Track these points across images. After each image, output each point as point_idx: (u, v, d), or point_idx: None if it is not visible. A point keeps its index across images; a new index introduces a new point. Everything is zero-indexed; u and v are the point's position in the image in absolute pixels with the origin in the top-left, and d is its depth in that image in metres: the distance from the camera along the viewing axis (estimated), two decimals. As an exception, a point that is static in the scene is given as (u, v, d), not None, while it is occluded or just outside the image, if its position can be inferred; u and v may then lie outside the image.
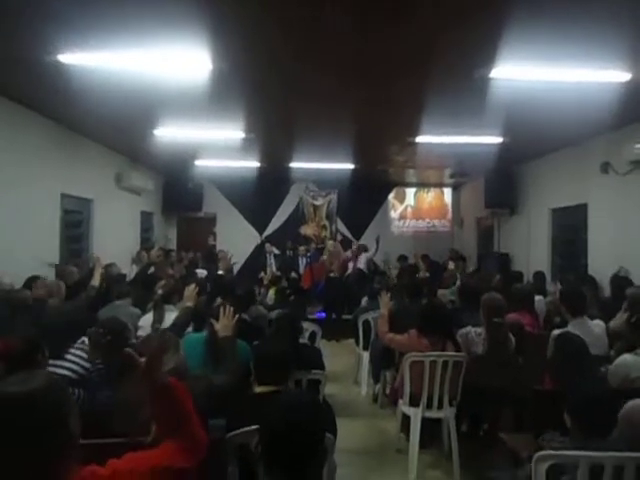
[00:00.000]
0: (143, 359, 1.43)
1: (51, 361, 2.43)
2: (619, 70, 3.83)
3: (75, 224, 6.41)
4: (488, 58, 3.62)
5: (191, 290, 3.34)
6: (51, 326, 2.75)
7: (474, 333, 3.55)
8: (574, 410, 2.04)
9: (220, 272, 5.91)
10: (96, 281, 4.32)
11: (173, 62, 3.68)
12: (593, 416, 1.98)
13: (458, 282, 6.52)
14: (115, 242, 7.05)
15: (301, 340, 3.43)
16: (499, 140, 6.23)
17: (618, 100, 4.46)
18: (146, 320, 3.64)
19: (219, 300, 3.57)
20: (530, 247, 7.93)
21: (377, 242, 8.85)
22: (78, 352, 2.56)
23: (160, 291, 3.81)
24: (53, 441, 1.18)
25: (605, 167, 5.93)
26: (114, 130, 6.05)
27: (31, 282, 4.21)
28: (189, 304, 3.26)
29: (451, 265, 7.78)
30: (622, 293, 4.56)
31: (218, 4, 2.93)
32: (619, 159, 5.59)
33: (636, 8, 2.93)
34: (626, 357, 2.83)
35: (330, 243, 9.19)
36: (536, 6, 2.89)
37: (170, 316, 3.58)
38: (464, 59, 3.70)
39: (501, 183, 8.44)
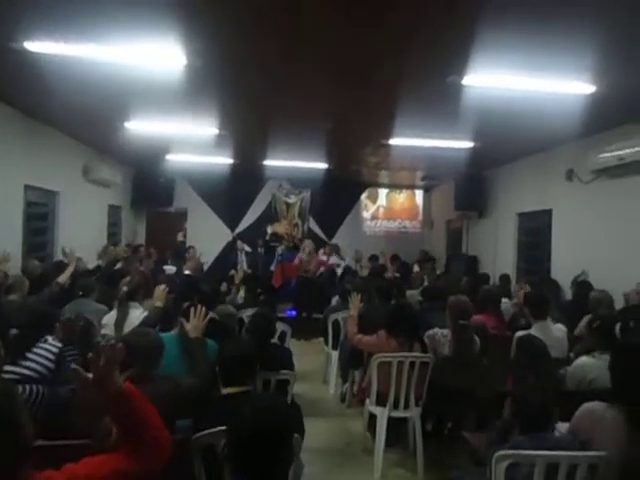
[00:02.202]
0: (90, 374, 1.37)
1: (11, 363, 2.36)
2: (585, 82, 3.97)
3: (39, 217, 6.21)
4: (460, 65, 3.70)
5: (161, 290, 3.30)
6: (14, 322, 2.66)
7: (440, 334, 3.63)
8: (514, 407, 2.14)
9: (187, 272, 5.79)
10: (65, 277, 4.19)
11: (146, 55, 3.61)
12: (528, 412, 2.07)
13: (426, 283, 6.64)
14: (81, 236, 6.87)
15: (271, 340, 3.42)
16: (470, 145, 6.36)
17: (583, 111, 4.63)
18: (110, 318, 3.55)
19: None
20: (497, 250, 8.14)
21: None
22: (41, 351, 2.48)
23: (125, 288, 3.72)
24: (4, 448, 1.15)
25: (570, 175, 6.15)
26: (82, 121, 5.88)
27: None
28: (159, 304, 3.21)
29: (416, 268, 7.90)
30: (583, 296, 4.74)
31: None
32: (583, 168, 5.80)
33: (600, 25, 3.05)
34: (584, 359, 2.94)
35: (307, 242, 9.18)
36: (507, 18, 2.97)
37: (134, 313, 3.50)
38: (437, 66, 3.77)
39: (471, 187, 8.62)
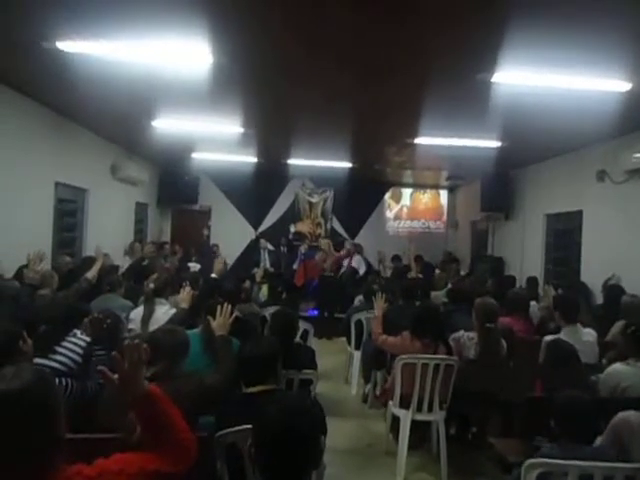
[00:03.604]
0: (116, 375, 1.37)
1: (41, 356, 2.40)
2: (620, 80, 3.84)
3: (69, 213, 6.34)
4: (490, 62, 3.62)
5: (187, 292, 3.34)
6: (44, 317, 2.72)
7: (466, 337, 3.56)
8: (557, 416, 2.06)
9: (213, 275, 5.81)
10: (93, 273, 4.27)
11: (174, 54, 3.64)
12: (576, 423, 1.99)
13: (449, 285, 6.53)
14: (109, 233, 7.01)
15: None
16: (497, 144, 6.23)
17: (617, 109, 4.47)
18: (137, 313, 3.61)
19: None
20: (524, 252, 7.96)
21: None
22: (70, 345, 2.53)
23: (152, 285, 3.78)
24: (39, 440, 1.16)
25: (601, 175, 5.96)
26: (111, 120, 5.99)
27: (22, 270, 4.17)
28: (184, 306, 3.25)
29: (438, 271, 7.80)
30: (614, 301, 4.60)
31: (222, -2, 2.90)
32: (615, 168, 5.62)
33: (637, 19, 2.93)
34: (617, 366, 2.84)
35: (324, 242, 9.15)
36: (539, 13, 2.88)
37: (160, 310, 3.55)
38: (466, 62, 3.69)
39: (497, 187, 8.44)
